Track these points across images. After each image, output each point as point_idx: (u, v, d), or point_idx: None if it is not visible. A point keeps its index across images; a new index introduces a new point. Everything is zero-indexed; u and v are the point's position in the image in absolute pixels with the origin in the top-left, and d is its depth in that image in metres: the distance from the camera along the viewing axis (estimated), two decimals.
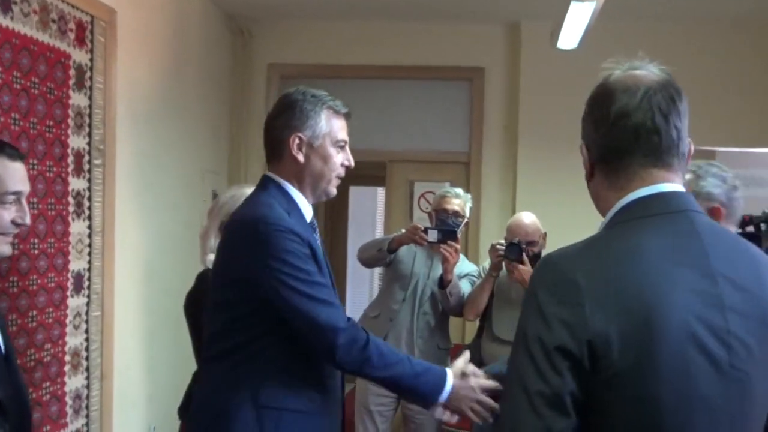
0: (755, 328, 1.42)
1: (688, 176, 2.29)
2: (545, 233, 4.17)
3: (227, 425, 2.16)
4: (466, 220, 4.36)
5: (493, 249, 4.08)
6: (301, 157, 2.30)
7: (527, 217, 4.17)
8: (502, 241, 4.07)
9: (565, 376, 1.34)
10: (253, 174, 5.96)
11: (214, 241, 3.06)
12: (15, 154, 2.17)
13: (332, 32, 5.99)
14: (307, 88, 2.36)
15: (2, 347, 2.15)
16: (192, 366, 5.38)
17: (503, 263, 4.06)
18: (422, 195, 6.11)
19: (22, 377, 2.25)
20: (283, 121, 2.31)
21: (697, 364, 1.36)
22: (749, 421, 1.43)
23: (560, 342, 1.34)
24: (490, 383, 2.32)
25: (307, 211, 2.35)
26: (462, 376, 2.30)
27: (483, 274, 4.27)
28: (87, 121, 3.69)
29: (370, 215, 10.02)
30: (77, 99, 3.59)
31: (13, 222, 2.16)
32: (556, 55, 5.49)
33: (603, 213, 1.59)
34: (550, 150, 5.65)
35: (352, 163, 2.39)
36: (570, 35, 4.45)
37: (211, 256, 3.00)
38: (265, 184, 2.35)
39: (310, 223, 2.35)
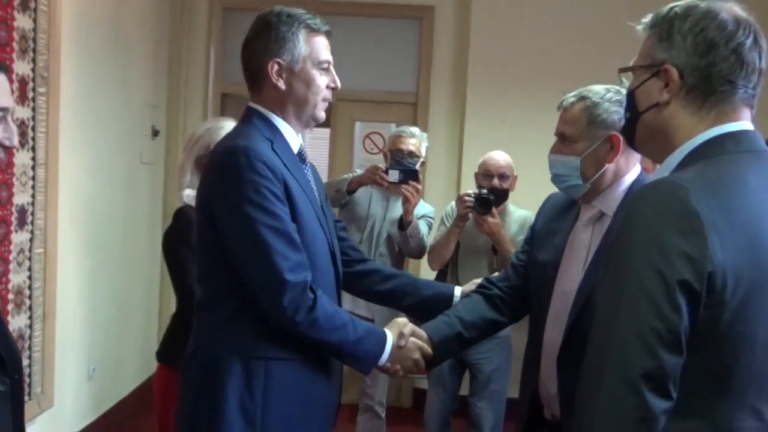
0: None
1: (581, 104, 2.20)
2: (516, 176, 4.12)
3: (217, 377, 2.05)
4: (422, 159, 4.27)
5: (460, 200, 3.97)
6: (282, 84, 2.13)
7: (502, 155, 4.12)
8: (470, 192, 3.99)
9: (683, 311, 1.28)
10: (192, 109, 5.76)
11: (190, 177, 2.90)
12: None
13: None
14: (282, 8, 2.16)
15: None
16: (136, 306, 5.25)
17: (470, 214, 3.99)
18: (368, 135, 5.99)
19: (7, 327, 2.07)
20: (260, 47, 2.14)
21: None
22: None
23: (682, 276, 1.27)
24: (428, 349, 2.32)
25: (294, 141, 2.19)
26: (400, 336, 2.25)
27: (446, 219, 4.24)
28: (31, 45, 3.45)
29: None
30: (22, 21, 3.35)
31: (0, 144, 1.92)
32: None
33: (663, 145, 1.51)
34: (500, 92, 5.58)
35: (339, 84, 2.22)
36: None
37: (188, 192, 2.86)
38: (248, 115, 2.19)
39: (299, 153, 2.21)
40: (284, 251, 2.00)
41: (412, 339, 2.29)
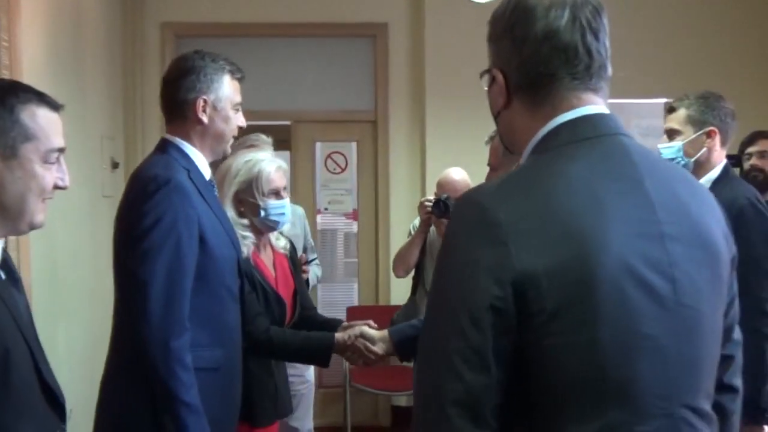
0: (700, 257, 1.31)
1: None
2: None
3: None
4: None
5: (421, 206, 4.07)
6: (205, 119, 2.43)
7: (456, 173, 4.16)
8: (431, 198, 4.03)
9: (486, 328, 1.19)
10: (150, 139, 5.65)
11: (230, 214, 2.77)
12: (54, 104, 1.86)
13: None
14: (206, 52, 2.48)
15: None
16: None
17: (432, 219, 4.04)
18: (329, 155, 5.99)
19: None
20: (188, 84, 2.42)
21: (636, 301, 1.23)
22: (701, 360, 1.31)
23: (485, 289, 1.19)
24: (373, 348, 2.68)
25: (206, 170, 2.49)
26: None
27: (413, 231, 4.26)
28: None
29: None
30: None
31: (55, 185, 1.87)
32: (462, 7, 5.46)
33: (518, 146, 1.44)
34: (460, 105, 5.60)
35: (245, 124, 2.55)
36: None
37: None
38: (164, 146, 2.47)
39: (209, 181, 2.50)
40: (172, 311, 2.36)
41: (361, 339, 2.67)
